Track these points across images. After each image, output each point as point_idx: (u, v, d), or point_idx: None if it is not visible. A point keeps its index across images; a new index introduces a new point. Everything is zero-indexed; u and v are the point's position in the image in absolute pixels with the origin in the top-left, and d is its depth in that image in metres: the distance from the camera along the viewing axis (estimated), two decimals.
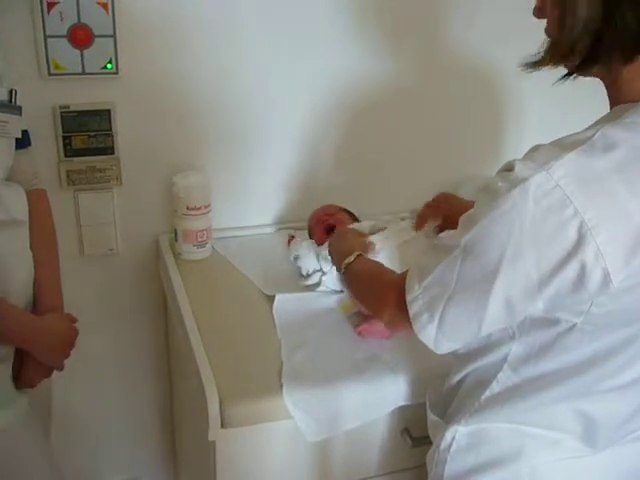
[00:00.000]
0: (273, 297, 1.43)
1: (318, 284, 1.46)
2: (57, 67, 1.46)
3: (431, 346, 0.91)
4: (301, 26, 1.62)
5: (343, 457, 1.30)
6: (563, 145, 0.80)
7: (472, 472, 0.99)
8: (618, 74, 0.85)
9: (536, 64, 0.90)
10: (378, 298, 1.04)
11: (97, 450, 1.91)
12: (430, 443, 1.13)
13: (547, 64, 0.89)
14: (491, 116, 1.89)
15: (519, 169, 0.80)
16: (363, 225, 1.52)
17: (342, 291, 1.45)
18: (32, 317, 1.26)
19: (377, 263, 1.18)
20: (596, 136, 0.79)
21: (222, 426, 1.14)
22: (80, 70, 1.47)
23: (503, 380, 0.95)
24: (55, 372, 1.33)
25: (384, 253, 1.36)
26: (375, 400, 1.21)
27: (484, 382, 0.98)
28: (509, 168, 0.82)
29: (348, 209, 1.68)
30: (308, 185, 1.79)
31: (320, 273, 1.47)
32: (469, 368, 1.01)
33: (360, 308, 1.37)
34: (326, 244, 1.48)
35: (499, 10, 1.67)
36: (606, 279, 0.77)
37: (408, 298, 0.92)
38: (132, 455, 1.97)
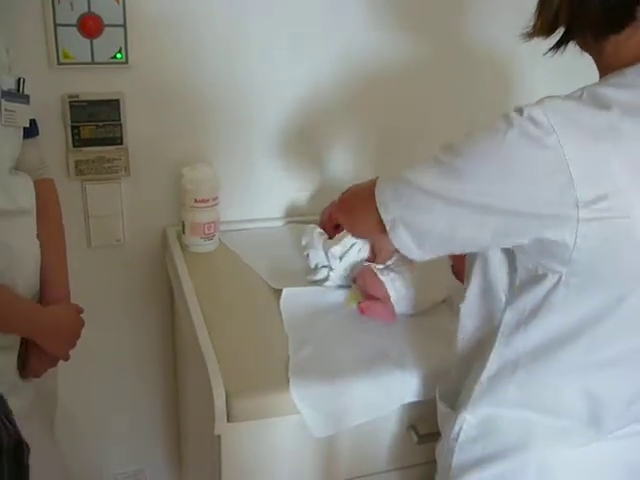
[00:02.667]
0: (280, 291, 1.42)
1: (325, 279, 1.45)
2: (66, 56, 1.45)
3: (388, 225, 0.93)
4: (309, 16, 1.62)
5: (349, 453, 1.29)
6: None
7: (480, 463, 0.99)
8: (602, 47, 0.88)
9: (529, 34, 0.94)
10: (355, 206, 1.08)
11: (101, 441, 1.91)
12: (436, 440, 1.13)
13: (537, 35, 0.93)
14: (505, 101, 1.86)
15: (515, 107, 0.84)
16: None
17: (349, 286, 1.44)
18: (38, 307, 1.26)
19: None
20: (584, 95, 0.83)
21: (228, 420, 1.13)
22: (89, 60, 1.47)
23: (497, 357, 0.96)
24: (61, 362, 1.33)
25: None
26: (382, 397, 1.20)
27: (482, 361, 0.98)
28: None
29: None
30: (317, 179, 1.78)
31: (328, 269, 1.46)
32: (467, 347, 1.03)
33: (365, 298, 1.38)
34: (335, 238, 1.47)
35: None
36: (577, 210, 0.79)
37: (377, 183, 0.96)
38: (136, 447, 1.97)
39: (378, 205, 0.94)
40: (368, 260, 1.44)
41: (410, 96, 1.77)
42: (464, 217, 0.86)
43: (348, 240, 1.45)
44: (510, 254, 0.93)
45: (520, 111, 0.82)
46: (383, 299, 1.34)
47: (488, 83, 1.84)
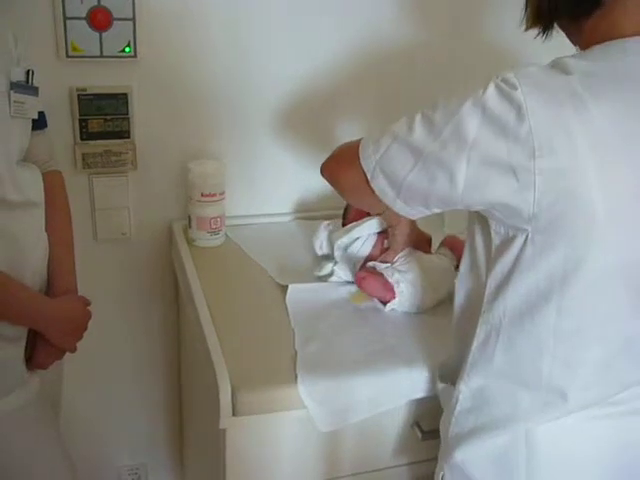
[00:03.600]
0: (286, 286, 1.42)
1: (330, 274, 1.45)
2: (75, 49, 1.45)
3: (369, 174, 1.00)
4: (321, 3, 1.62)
5: (353, 449, 1.29)
6: None
7: (473, 433, 1.03)
8: (580, 30, 0.98)
9: (526, 26, 1.06)
10: (340, 163, 1.12)
11: (104, 435, 1.92)
12: (439, 437, 1.14)
13: (531, 26, 1.05)
14: None
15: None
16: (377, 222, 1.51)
17: (354, 282, 1.44)
18: (46, 299, 1.26)
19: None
20: (552, 63, 0.92)
21: (233, 414, 1.14)
22: (98, 53, 1.47)
23: (484, 325, 1.01)
24: (66, 354, 1.33)
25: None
26: (389, 392, 1.20)
27: (472, 332, 1.03)
28: None
29: None
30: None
31: (332, 263, 1.46)
32: (462, 322, 1.09)
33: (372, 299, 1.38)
34: (343, 230, 1.48)
35: None
36: (533, 160, 0.85)
37: (362, 141, 1.02)
38: (139, 441, 1.97)
39: (361, 158, 1.00)
40: (371, 258, 1.44)
41: (418, 80, 1.76)
42: (436, 168, 0.92)
43: (354, 233, 1.46)
44: (484, 223, 0.99)
45: (497, 75, 0.90)
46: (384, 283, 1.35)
47: (497, 65, 1.82)
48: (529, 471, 1.00)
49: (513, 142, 0.86)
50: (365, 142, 1.01)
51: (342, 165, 1.10)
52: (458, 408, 1.05)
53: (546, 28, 1.03)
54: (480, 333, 1.02)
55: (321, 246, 1.53)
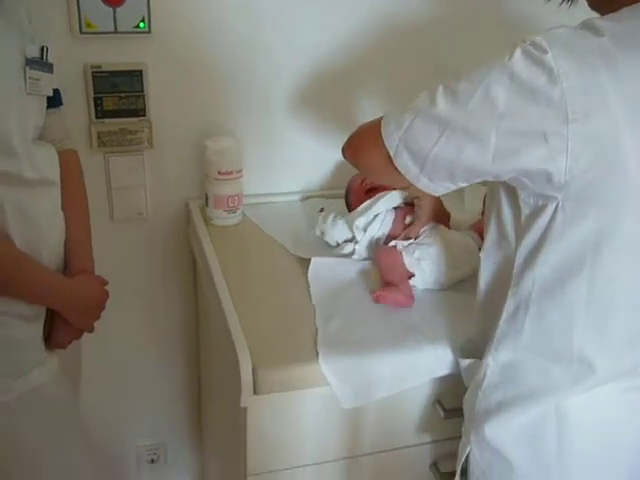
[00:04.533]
0: (306, 264, 1.40)
1: (352, 253, 1.44)
2: (89, 25, 1.43)
3: (392, 152, 0.98)
4: None
5: (374, 426, 1.28)
6: None
7: (501, 408, 1.03)
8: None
9: None
10: (363, 142, 1.09)
11: (123, 414, 1.92)
12: (462, 415, 1.12)
13: None
14: None
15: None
16: (395, 196, 1.49)
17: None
18: (63, 278, 1.25)
19: None
20: (581, 25, 0.89)
21: (254, 392, 1.13)
22: (112, 29, 1.45)
23: (513, 298, 1.00)
24: (85, 334, 1.32)
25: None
26: (412, 369, 1.19)
27: (500, 306, 1.03)
28: None
29: None
30: (340, 154, 1.75)
31: (353, 243, 1.44)
32: (488, 295, 1.09)
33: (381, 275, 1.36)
34: (358, 211, 1.46)
35: None
36: (567, 125, 0.84)
37: (384, 134, 0.98)
38: (158, 420, 1.98)
39: (384, 136, 0.98)
40: (393, 233, 1.43)
41: (436, 56, 1.73)
42: (463, 139, 0.90)
43: (372, 211, 1.44)
44: (512, 194, 0.97)
45: (524, 39, 0.88)
46: (400, 282, 1.32)
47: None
48: (560, 443, 1.00)
49: (545, 107, 0.84)
50: (386, 119, 0.99)
51: (364, 145, 1.08)
52: (486, 383, 1.05)
53: None
54: (509, 306, 1.01)
55: (335, 239, 1.49)
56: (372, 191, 1.52)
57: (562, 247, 0.93)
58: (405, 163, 0.97)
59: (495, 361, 1.04)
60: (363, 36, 1.65)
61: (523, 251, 0.98)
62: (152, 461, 2.02)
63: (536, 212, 0.94)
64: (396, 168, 0.98)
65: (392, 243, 1.38)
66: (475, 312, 1.15)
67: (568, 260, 0.93)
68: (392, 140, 0.97)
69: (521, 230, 0.98)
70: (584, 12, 0.99)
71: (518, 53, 0.86)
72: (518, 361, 1.02)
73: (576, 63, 0.84)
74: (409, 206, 1.46)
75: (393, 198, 1.45)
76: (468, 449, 1.08)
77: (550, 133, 0.85)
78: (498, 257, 1.05)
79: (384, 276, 1.35)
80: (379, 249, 1.39)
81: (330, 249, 1.48)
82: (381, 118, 1.01)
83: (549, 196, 0.90)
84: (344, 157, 1.15)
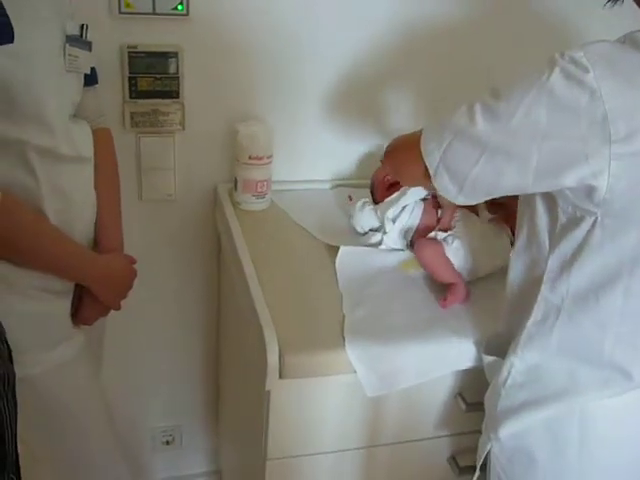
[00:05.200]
0: (333, 251, 1.40)
1: (379, 243, 1.44)
2: (128, 5, 1.43)
3: (432, 170, 0.97)
4: None
5: (395, 417, 1.29)
6: None
7: (524, 407, 1.03)
8: None
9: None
10: (402, 156, 1.10)
11: (140, 395, 1.94)
12: (483, 409, 1.12)
13: None
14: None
15: (558, 52, 0.87)
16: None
17: (402, 249, 1.43)
18: (94, 255, 1.27)
19: None
20: (625, 39, 0.88)
21: (280, 376, 1.13)
22: (151, 10, 1.45)
23: (543, 303, 1.00)
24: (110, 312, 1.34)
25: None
26: (437, 360, 1.19)
27: (528, 308, 1.02)
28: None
29: None
30: (369, 143, 1.76)
31: (381, 233, 1.44)
32: (516, 295, 1.08)
33: (427, 271, 1.36)
34: (387, 202, 1.46)
35: None
36: (609, 145, 0.83)
37: (424, 131, 0.99)
38: (174, 403, 1.99)
39: (424, 154, 0.98)
40: (420, 227, 1.42)
41: (466, 55, 1.72)
42: (503, 161, 0.90)
43: (401, 202, 1.44)
44: (550, 200, 0.96)
45: (562, 54, 0.85)
46: (454, 278, 1.31)
47: (542, 45, 1.76)
48: (581, 445, 1.00)
49: (587, 128, 0.83)
50: (427, 136, 0.99)
51: (404, 159, 1.09)
52: (510, 381, 1.04)
53: None
54: (538, 310, 1.01)
55: (362, 225, 1.49)
56: (394, 186, 1.51)
57: (598, 260, 0.93)
58: (445, 184, 0.97)
59: (521, 361, 1.04)
60: (396, 33, 1.64)
61: (557, 258, 0.98)
62: (167, 443, 2.04)
63: (573, 222, 0.93)
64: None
65: (432, 234, 1.37)
66: (502, 310, 1.14)
67: (605, 272, 0.93)
68: (432, 159, 0.97)
69: (556, 238, 0.97)
70: (613, 13, 0.98)
71: (557, 72, 0.85)
72: (545, 363, 1.02)
73: (619, 83, 0.83)
74: (434, 198, 1.46)
75: (421, 190, 1.45)
76: (489, 446, 1.08)
77: (592, 153, 0.84)
78: (528, 259, 1.05)
79: (433, 270, 1.34)
80: (420, 242, 1.38)
81: (358, 238, 1.48)
82: (420, 132, 1.01)
83: (588, 210, 0.90)
84: (382, 165, 1.16)
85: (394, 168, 1.16)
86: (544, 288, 1.00)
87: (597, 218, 0.89)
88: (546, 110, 0.85)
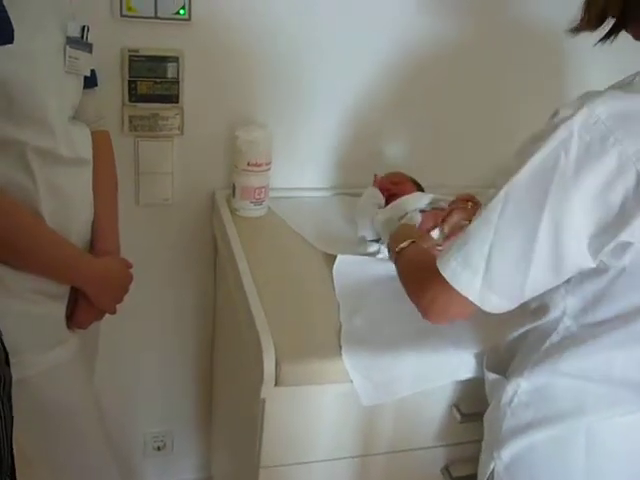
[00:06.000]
0: (330, 259, 1.40)
1: (377, 252, 1.44)
2: (130, 9, 1.43)
3: (478, 302, 0.92)
4: None
5: (390, 426, 1.28)
6: (604, 89, 0.87)
7: (530, 426, 1.01)
8: None
9: (575, 29, 0.96)
10: (416, 282, 1.04)
11: (132, 400, 1.93)
12: (479, 420, 1.12)
13: (585, 28, 0.94)
14: (553, 81, 1.82)
15: (562, 111, 0.85)
16: (423, 198, 1.49)
17: None
18: (90, 258, 1.26)
19: (424, 250, 1.18)
20: (636, 79, 0.86)
21: (276, 384, 1.13)
22: (153, 14, 1.45)
23: (563, 330, 0.98)
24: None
25: None
26: (434, 371, 1.19)
27: (544, 336, 1.00)
28: (553, 114, 0.87)
29: (416, 179, 1.63)
30: (368, 151, 1.76)
31: (379, 242, 1.44)
32: (528, 327, 1.04)
33: None
34: (383, 210, 1.46)
35: None
36: None
37: (439, 263, 0.94)
38: (166, 408, 1.98)
39: (458, 289, 0.93)
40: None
41: (463, 77, 1.74)
42: (543, 270, 0.88)
43: (398, 212, 1.43)
44: None
45: (570, 121, 0.83)
46: None
47: (544, 68, 1.80)
48: (589, 465, 0.98)
49: (623, 194, 0.82)
50: (455, 273, 0.93)
51: (426, 287, 1.00)
52: (515, 401, 1.02)
53: (612, 34, 0.94)
54: (554, 338, 0.99)
55: (369, 232, 1.49)
56: (393, 197, 1.52)
57: (627, 302, 0.91)
58: (496, 306, 0.94)
59: (528, 382, 1.01)
60: (398, 41, 1.66)
61: (579, 300, 0.95)
62: (158, 448, 2.02)
63: (597, 271, 0.91)
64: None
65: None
66: (505, 328, 1.11)
67: (632, 309, 0.92)
68: (473, 291, 0.92)
69: (575, 282, 0.95)
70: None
71: (574, 151, 0.82)
72: (554, 383, 1.00)
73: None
74: (436, 211, 1.45)
75: (419, 199, 1.45)
76: (492, 465, 1.05)
77: (633, 213, 0.82)
78: (543, 296, 1.00)
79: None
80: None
81: (355, 246, 1.48)
82: (431, 261, 0.98)
83: (616, 264, 0.88)
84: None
85: (405, 284, 1.11)
86: (566, 319, 0.97)
87: (625, 268, 0.88)
88: (578, 194, 0.83)
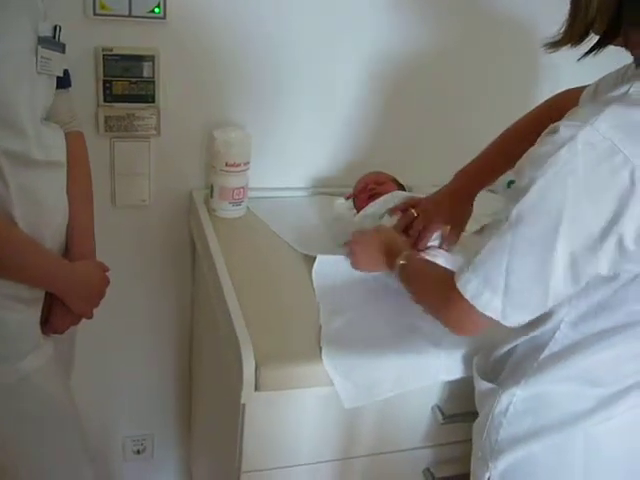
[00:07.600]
0: (309, 261, 1.39)
1: None
2: (103, 7, 1.41)
3: (500, 319, 0.92)
4: None
5: (372, 429, 1.28)
6: (600, 102, 0.86)
7: (528, 435, 1.00)
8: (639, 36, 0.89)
9: (556, 44, 0.95)
10: (437, 300, 1.04)
11: (112, 404, 1.90)
12: (462, 421, 1.11)
13: (568, 43, 0.94)
14: (529, 85, 1.82)
15: (564, 129, 0.83)
16: (399, 195, 1.48)
17: None
18: (65, 262, 1.24)
19: (426, 261, 1.19)
20: (631, 90, 0.85)
21: (255, 389, 1.11)
22: (127, 12, 1.42)
23: (561, 339, 0.97)
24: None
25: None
26: (416, 372, 1.18)
27: (542, 344, 0.99)
28: (553, 131, 0.85)
29: (398, 179, 1.62)
30: (347, 151, 1.75)
31: None
32: (524, 336, 1.02)
33: None
34: (364, 211, 1.45)
35: None
36: None
37: (459, 284, 0.93)
38: (146, 412, 1.96)
39: (480, 309, 0.92)
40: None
41: (445, 78, 1.74)
42: (562, 281, 0.88)
43: (377, 211, 1.43)
44: None
45: (573, 142, 0.82)
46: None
47: (522, 70, 1.80)
48: (587, 469, 0.98)
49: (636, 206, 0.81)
50: (476, 293, 0.92)
51: (439, 302, 1.03)
52: (511, 410, 1.02)
53: (597, 49, 0.94)
54: (554, 347, 0.98)
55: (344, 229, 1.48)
56: (375, 196, 1.51)
57: (632, 308, 0.91)
58: (518, 320, 0.94)
59: (525, 391, 1.01)
60: (380, 41, 1.64)
61: (583, 306, 0.95)
62: (138, 452, 2.01)
63: (605, 279, 0.91)
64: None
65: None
66: (499, 340, 1.10)
67: (631, 321, 0.92)
68: (494, 310, 0.92)
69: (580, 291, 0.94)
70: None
71: (580, 158, 0.82)
72: (552, 390, 1.00)
73: None
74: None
75: (391, 199, 1.44)
76: (487, 475, 1.04)
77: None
78: None
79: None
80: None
81: (335, 247, 1.46)
82: (443, 278, 0.98)
83: (628, 269, 0.88)
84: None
85: (423, 300, 1.12)
86: (563, 327, 0.97)
87: (637, 277, 0.88)
88: (593, 212, 0.83)
